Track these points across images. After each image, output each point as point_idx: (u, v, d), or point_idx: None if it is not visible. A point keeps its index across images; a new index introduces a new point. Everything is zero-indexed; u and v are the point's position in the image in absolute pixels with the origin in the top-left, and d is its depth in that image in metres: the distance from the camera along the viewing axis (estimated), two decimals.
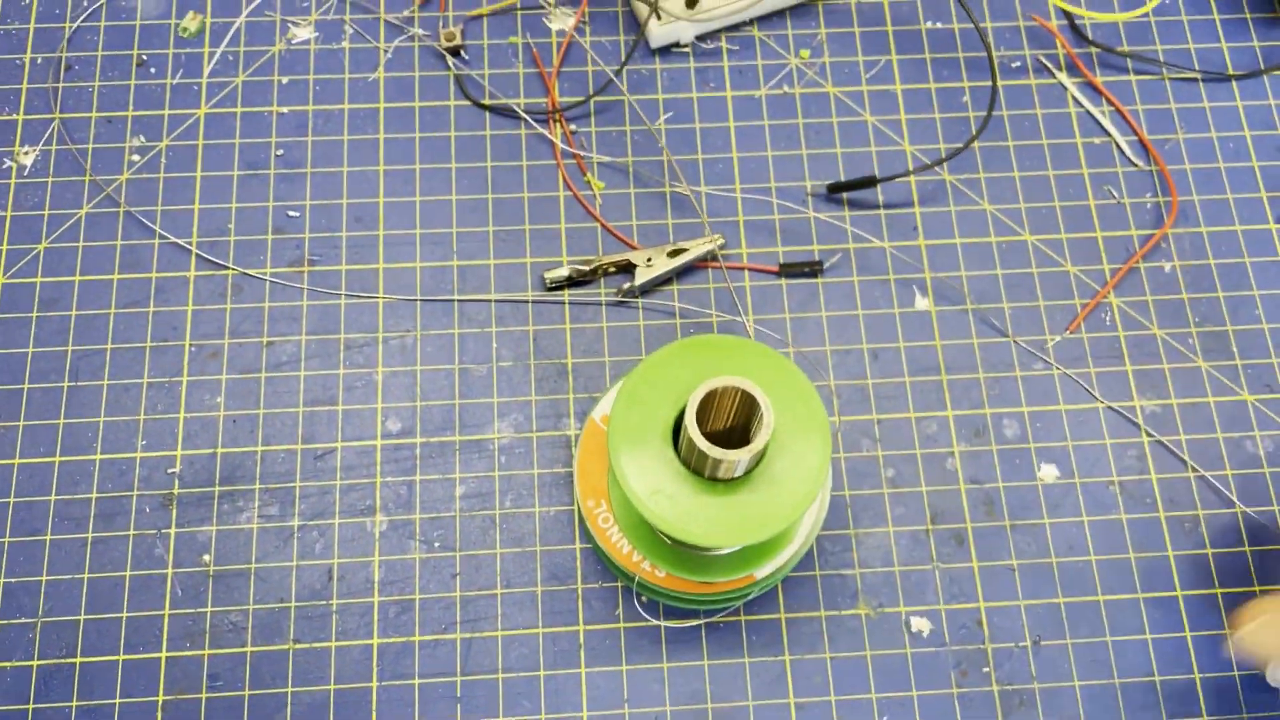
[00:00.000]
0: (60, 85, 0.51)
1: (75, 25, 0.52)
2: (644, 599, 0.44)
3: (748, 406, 0.35)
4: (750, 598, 0.42)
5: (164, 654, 0.43)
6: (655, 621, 0.43)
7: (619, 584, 0.44)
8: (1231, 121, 0.52)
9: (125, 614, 0.43)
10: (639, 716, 0.42)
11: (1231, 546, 0.45)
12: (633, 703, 0.43)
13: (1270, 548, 0.45)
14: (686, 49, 0.52)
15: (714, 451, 0.33)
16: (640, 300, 0.48)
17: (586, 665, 0.43)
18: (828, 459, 0.35)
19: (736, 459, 0.33)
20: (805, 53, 0.52)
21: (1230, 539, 0.45)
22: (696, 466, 0.35)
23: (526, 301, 0.48)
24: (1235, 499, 0.45)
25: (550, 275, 0.48)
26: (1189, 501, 0.45)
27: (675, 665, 0.43)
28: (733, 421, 0.37)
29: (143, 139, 0.50)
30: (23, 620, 0.43)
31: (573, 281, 0.48)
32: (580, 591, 0.44)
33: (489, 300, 0.48)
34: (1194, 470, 0.46)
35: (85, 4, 0.52)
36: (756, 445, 0.33)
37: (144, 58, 0.52)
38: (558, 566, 0.44)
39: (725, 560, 0.40)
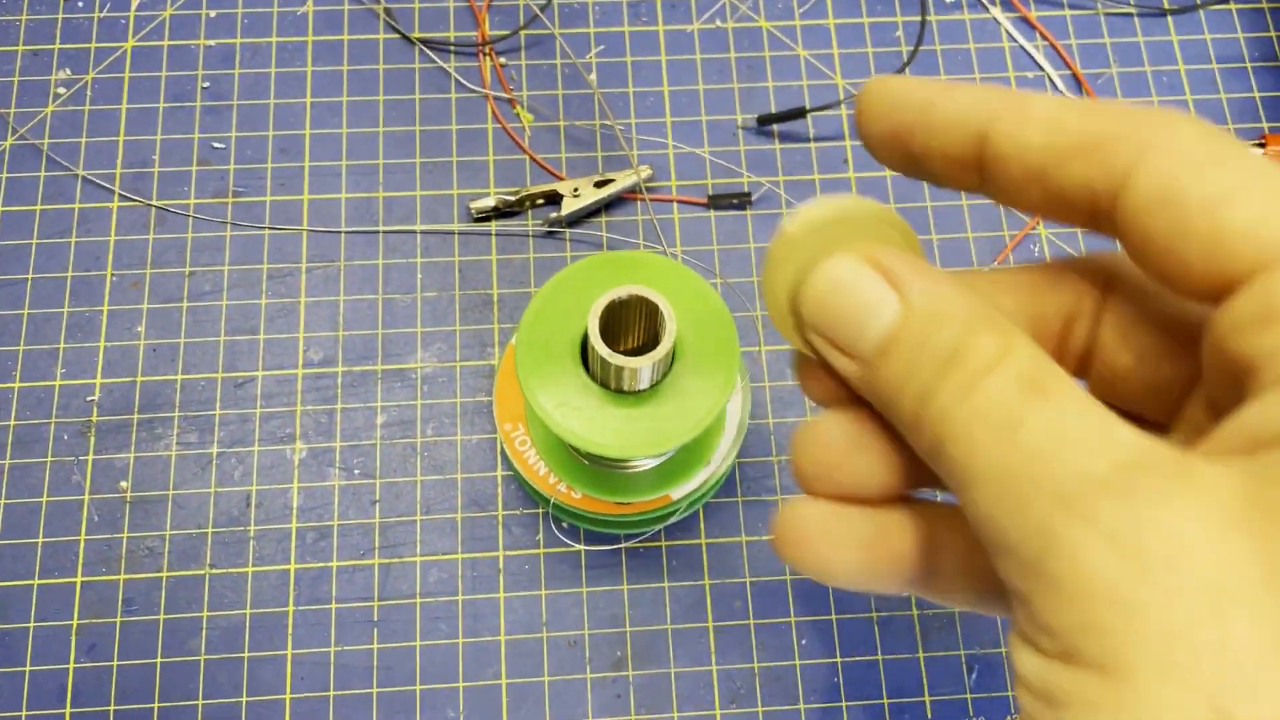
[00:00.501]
0: None
1: None
2: (564, 524, 0.43)
3: (654, 319, 0.35)
4: (669, 522, 0.42)
5: (79, 579, 0.42)
6: (575, 546, 0.43)
7: (539, 510, 0.44)
8: (1166, 56, 0.52)
9: (41, 539, 0.43)
10: (557, 640, 0.42)
11: None
12: (551, 626, 0.42)
13: None
14: None
15: (614, 358, 0.33)
16: (567, 231, 0.48)
17: (505, 590, 0.43)
18: (734, 373, 0.35)
19: (637, 366, 0.33)
20: None
21: None
22: (603, 379, 0.35)
23: (452, 232, 0.48)
24: None
25: (476, 206, 0.47)
26: None
27: (594, 590, 0.43)
28: (642, 338, 0.37)
29: (69, 72, 0.50)
30: None
31: (499, 212, 0.48)
32: (501, 518, 0.44)
33: (414, 231, 0.47)
34: None
35: None
36: (658, 353, 0.33)
37: None
38: (478, 493, 0.44)
39: (640, 480, 0.40)
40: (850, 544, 0.19)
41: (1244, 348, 0.15)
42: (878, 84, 0.19)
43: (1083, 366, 0.20)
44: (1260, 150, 0.49)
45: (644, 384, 0.35)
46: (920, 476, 0.20)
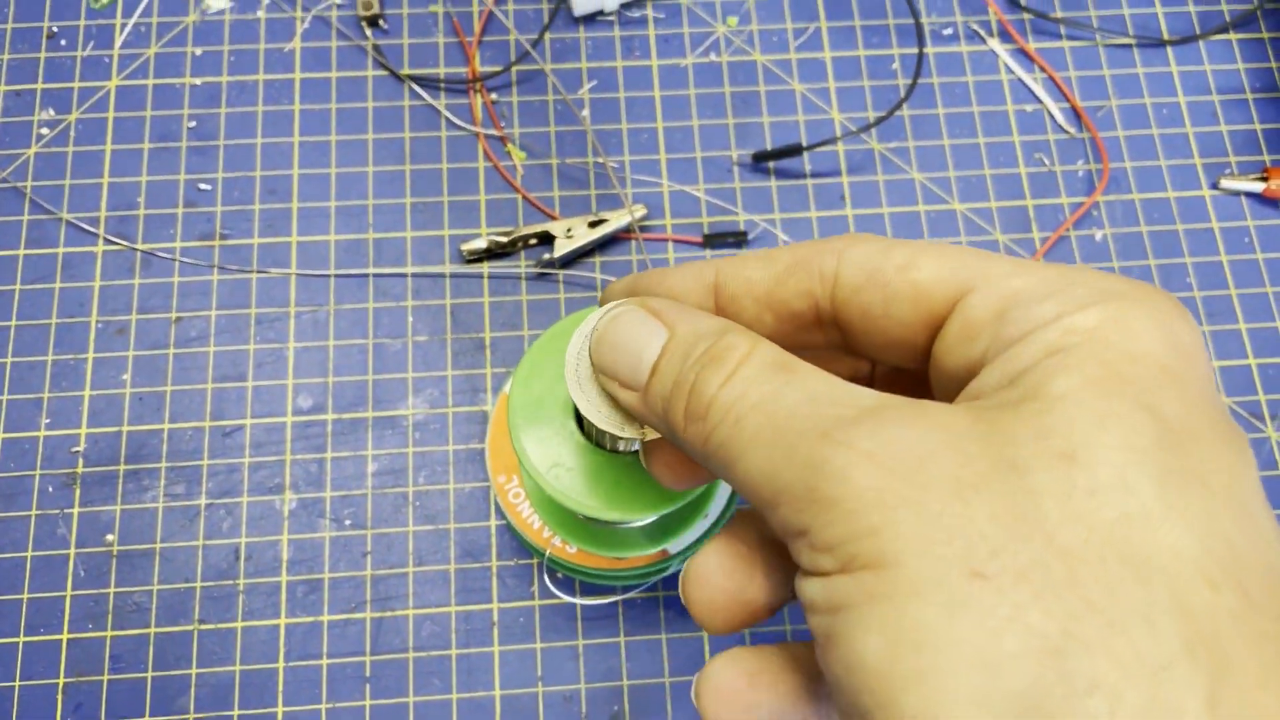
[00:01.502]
0: None
1: None
2: (559, 575, 0.43)
3: None
4: (667, 574, 0.42)
5: (65, 635, 0.42)
6: (570, 599, 0.42)
7: (534, 561, 0.43)
8: (1165, 88, 0.51)
9: (26, 595, 0.42)
10: (553, 695, 0.41)
11: None
12: (547, 680, 0.42)
13: None
14: (611, 17, 0.51)
15: (603, 423, 0.32)
16: (560, 272, 0.47)
17: (500, 644, 0.42)
18: None
19: (652, 436, 0.32)
20: (733, 20, 0.51)
21: None
22: (597, 439, 0.34)
23: (444, 275, 0.47)
24: None
25: (467, 247, 0.47)
26: None
27: (591, 643, 0.42)
28: None
29: (52, 112, 0.49)
30: None
31: (491, 253, 0.47)
32: (494, 569, 0.43)
33: (405, 274, 0.47)
34: None
35: None
36: None
37: (54, 29, 0.50)
38: (471, 544, 0.43)
39: (636, 535, 0.39)
40: (778, 685, 0.21)
41: (958, 360, 0.19)
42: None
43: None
44: (1262, 184, 0.48)
45: (639, 446, 0.34)
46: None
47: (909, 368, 0.22)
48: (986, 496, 0.16)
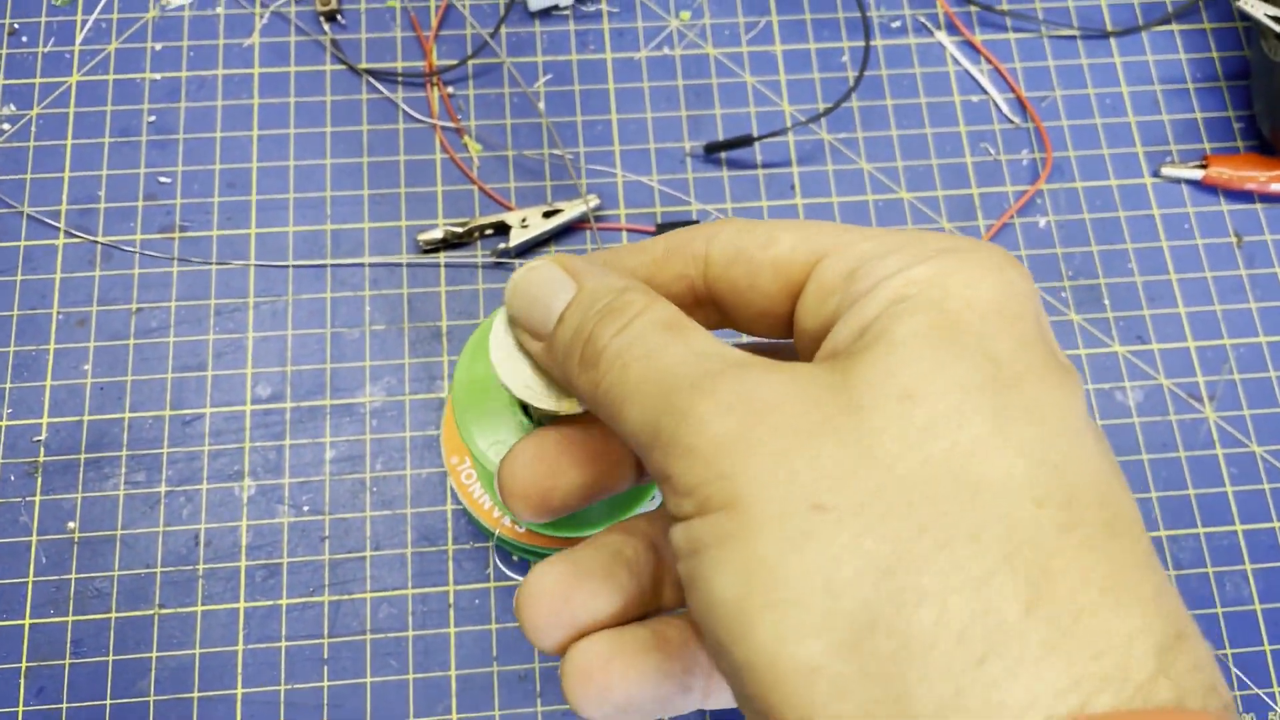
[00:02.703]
0: None
1: None
2: (515, 558, 0.44)
3: None
4: None
5: (27, 621, 0.42)
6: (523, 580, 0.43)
7: (489, 545, 0.44)
8: (1109, 78, 0.52)
9: None
10: (508, 674, 0.42)
11: None
12: (502, 660, 0.43)
13: (1138, 495, 0.45)
14: (566, 11, 0.52)
15: (520, 391, 0.33)
16: (516, 261, 0.48)
17: (456, 625, 0.43)
18: None
19: (570, 410, 0.33)
20: (685, 14, 0.52)
21: None
22: (537, 418, 0.35)
23: (401, 265, 0.48)
24: None
25: (424, 237, 0.47)
26: None
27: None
28: None
29: (13, 108, 0.49)
30: None
31: (447, 244, 0.48)
32: (451, 552, 0.44)
33: (362, 264, 0.47)
34: None
35: None
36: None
37: (15, 26, 0.51)
38: (428, 528, 0.44)
39: (585, 515, 0.40)
40: (637, 655, 0.21)
41: (815, 320, 0.20)
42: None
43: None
44: (1202, 171, 0.50)
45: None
46: (648, 598, 0.23)
47: (777, 338, 0.23)
48: (831, 437, 0.17)
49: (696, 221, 0.48)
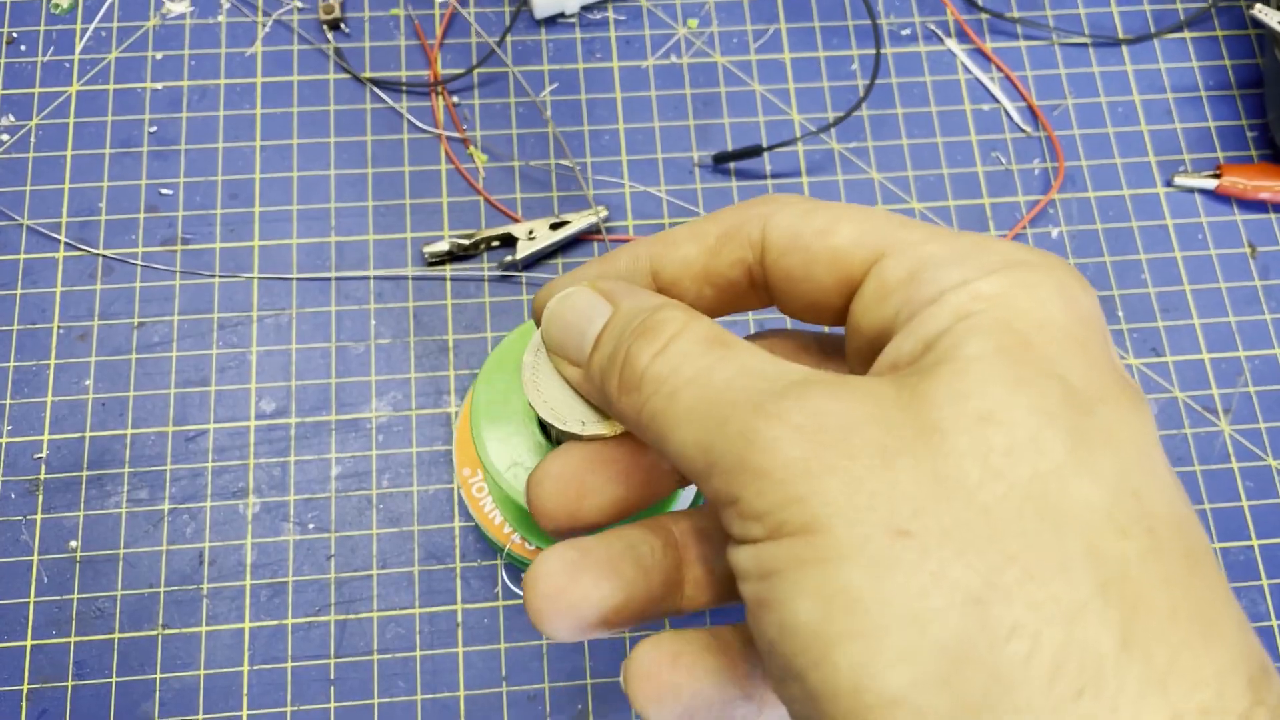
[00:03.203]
0: None
1: None
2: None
3: None
4: None
5: (29, 642, 0.42)
6: None
7: (498, 562, 0.43)
8: (1121, 86, 0.52)
9: None
10: (517, 694, 0.42)
11: None
12: (511, 681, 0.42)
13: None
14: (572, 19, 0.51)
15: (562, 424, 0.32)
16: (523, 274, 0.47)
17: (465, 645, 0.42)
18: None
19: (592, 434, 0.33)
20: (693, 22, 0.52)
21: None
22: (556, 439, 0.34)
23: (406, 277, 0.47)
24: None
25: (430, 250, 0.47)
26: None
27: (555, 643, 0.42)
28: None
29: (12, 118, 0.49)
30: None
31: (453, 256, 0.47)
32: (459, 570, 0.43)
33: (367, 277, 0.47)
34: None
35: None
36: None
37: (14, 35, 0.50)
38: (435, 546, 0.43)
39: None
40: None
41: (873, 320, 0.20)
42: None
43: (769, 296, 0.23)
44: (1215, 181, 0.49)
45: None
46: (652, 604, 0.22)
47: (828, 328, 0.23)
48: (909, 460, 0.16)
49: None
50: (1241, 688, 0.15)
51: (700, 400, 0.19)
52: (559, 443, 0.33)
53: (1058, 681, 0.15)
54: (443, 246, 0.47)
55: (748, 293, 0.22)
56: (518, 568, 0.42)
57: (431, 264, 0.47)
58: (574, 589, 0.21)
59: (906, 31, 0.52)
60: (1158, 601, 0.15)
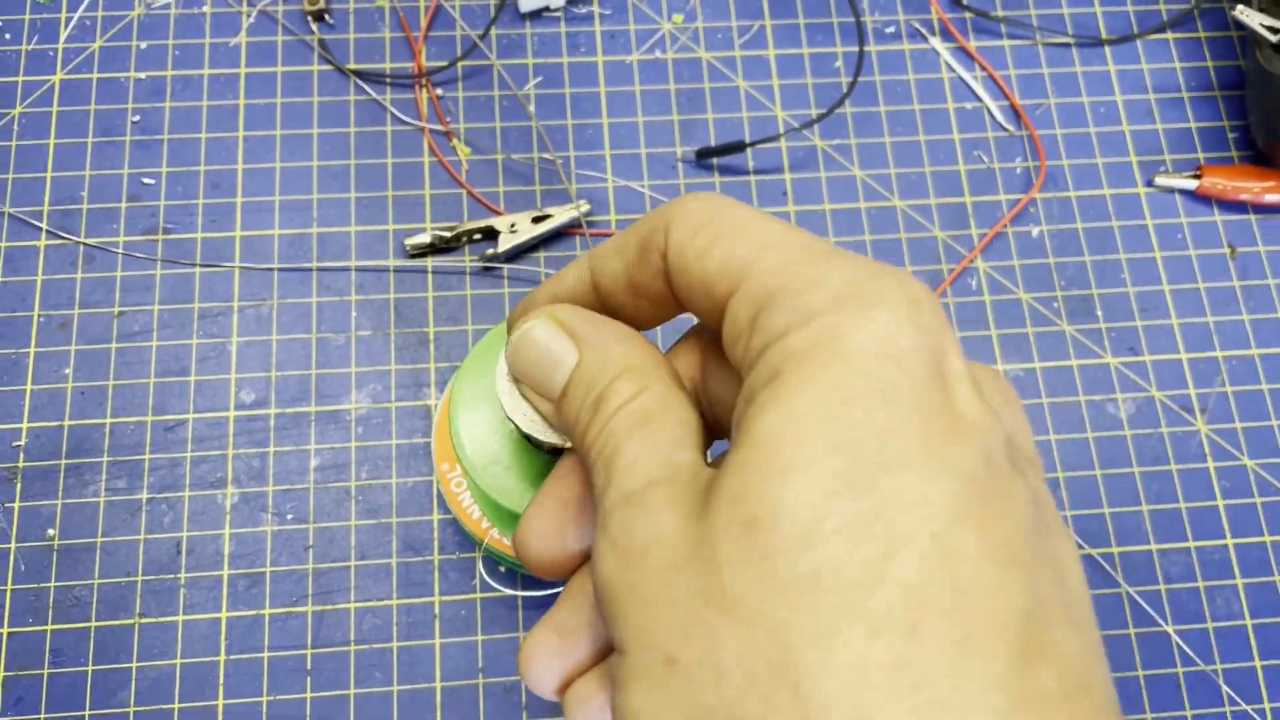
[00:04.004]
0: None
1: None
2: (502, 569, 0.43)
3: None
4: None
5: (5, 630, 0.42)
6: (510, 591, 0.43)
7: (475, 555, 0.43)
8: (1103, 86, 0.52)
9: None
10: (494, 686, 0.42)
11: (1090, 508, 0.45)
12: (488, 672, 0.42)
13: (1129, 508, 0.45)
14: (557, 13, 0.52)
15: (528, 427, 0.32)
16: (505, 267, 0.47)
17: (441, 636, 0.42)
18: None
19: (555, 442, 0.33)
20: (678, 17, 0.52)
21: (1090, 500, 0.45)
22: (534, 440, 0.34)
23: (387, 269, 0.47)
24: (1095, 462, 0.46)
25: (411, 242, 0.47)
26: (1049, 464, 0.45)
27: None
28: None
29: None
30: None
31: (435, 248, 0.47)
32: (436, 563, 0.43)
33: (349, 268, 0.47)
34: (1054, 434, 0.46)
35: None
36: None
37: None
38: (414, 538, 0.44)
39: None
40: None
41: (733, 361, 0.19)
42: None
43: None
44: (1196, 182, 0.49)
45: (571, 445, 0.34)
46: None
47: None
48: (684, 578, 0.17)
49: None
50: None
51: (598, 483, 0.20)
52: (537, 445, 0.33)
53: None
54: (424, 239, 0.47)
55: (668, 301, 0.22)
56: (495, 561, 0.42)
57: (413, 256, 0.47)
58: (565, 660, 0.22)
59: (891, 29, 0.52)
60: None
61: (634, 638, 0.17)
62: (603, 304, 0.23)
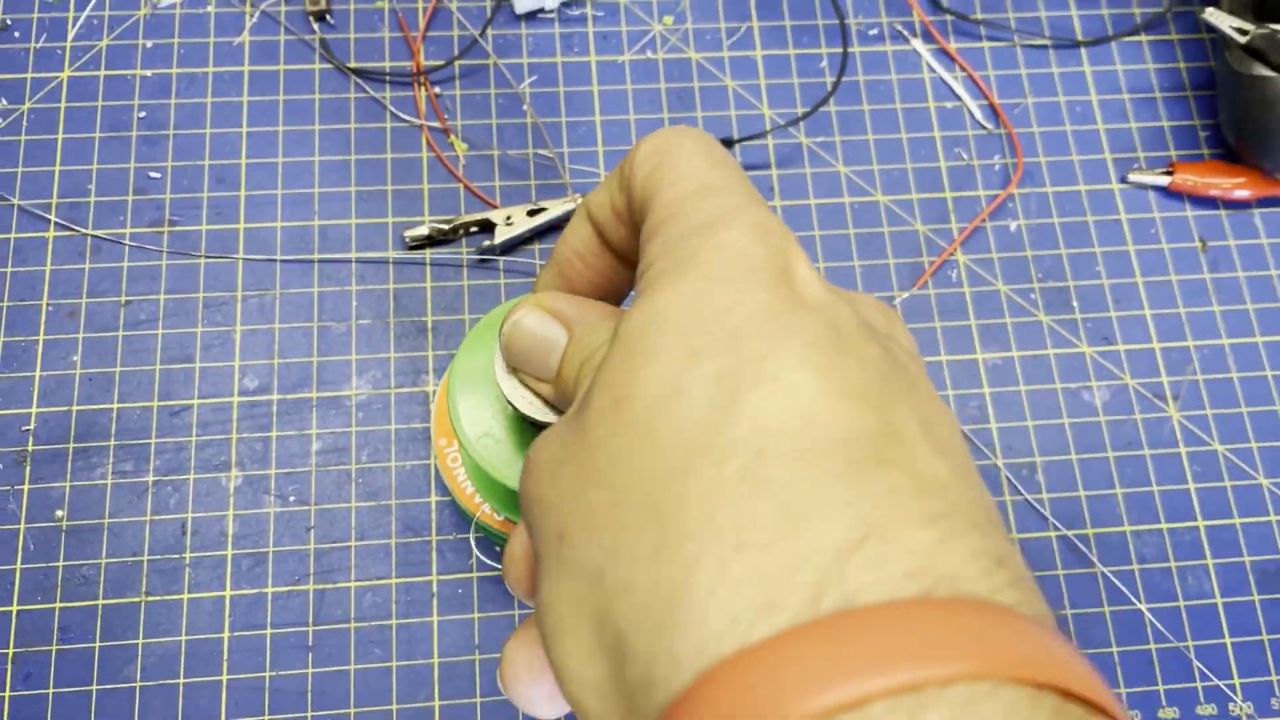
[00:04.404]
0: None
1: None
2: (497, 548, 0.45)
3: None
4: None
5: (15, 607, 0.43)
6: None
7: (472, 535, 0.45)
8: (1079, 86, 0.54)
9: None
10: (489, 662, 0.43)
11: (1067, 491, 0.47)
12: (484, 649, 0.43)
13: (1104, 491, 0.47)
14: (552, 14, 0.53)
15: (526, 408, 0.34)
16: (501, 258, 0.49)
17: (439, 614, 0.44)
18: None
19: (553, 419, 0.34)
20: (669, 19, 0.54)
21: (1066, 483, 0.47)
22: (527, 415, 0.36)
23: (387, 260, 0.48)
24: (1071, 447, 0.47)
25: (410, 234, 0.48)
26: (1027, 450, 0.47)
27: (526, 612, 0.44)
28: None
29: (4, 102, 0.50)
30: None
31: (433, 240, 0.49)
32: (434, 543, 0.45)
33: (349, 259, 0.48)
34: (1032, 420, 0.48)
35: None
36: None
37: (8, 22, 0.51)
38: (412, 519, 0.45)
39: None
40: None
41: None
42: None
43: None
44: (1168, 178, 0.51)
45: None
46: None
47: None
48: (569, 466, 0.19)
49: None
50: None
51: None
52: (528, 419, 0.35)
53: (656, 615, 0.16)
54: (423, 231, 0.48)
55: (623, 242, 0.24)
56: (489, 540, 0.44)
57: (412, 248, 0.49)
58: (543, 670, 0.23)
59: (874, 31, 0.54)
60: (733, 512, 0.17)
61: (539, 537, 0.19)
62: (599, 238, 0.25)
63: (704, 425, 0.17)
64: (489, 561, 0.44)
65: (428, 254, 0.49)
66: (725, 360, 0.17)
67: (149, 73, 0.51)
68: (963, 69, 0.53)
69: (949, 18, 0.54)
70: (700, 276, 0.19)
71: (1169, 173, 0.51)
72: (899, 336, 0.22)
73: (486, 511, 0.41)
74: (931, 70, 0.53)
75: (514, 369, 0.26)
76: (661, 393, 0.18)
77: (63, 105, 0.50)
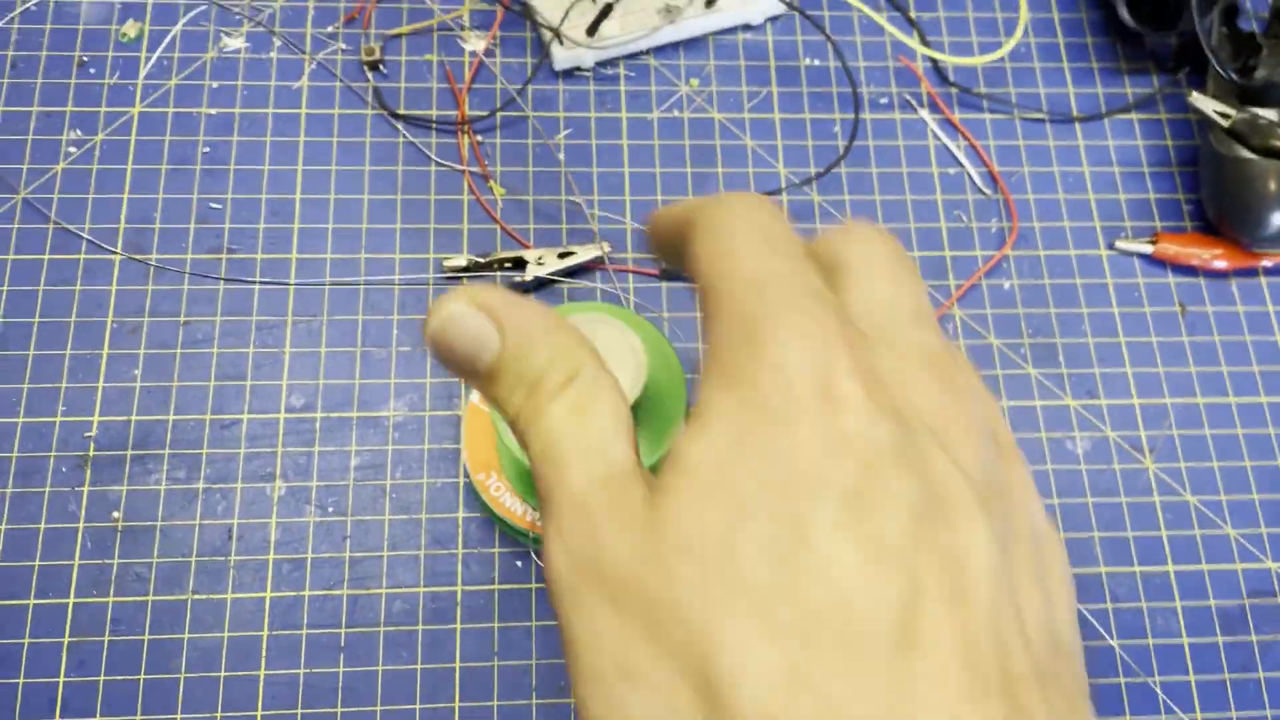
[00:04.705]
0: (4, 81, 0.55)
1: (13, 18, 0.56)
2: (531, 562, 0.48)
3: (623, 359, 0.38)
4: None
5: (72, 600, 0.46)
6: (528, 584, 0.48)
7: (495, 550, 0.48)
8: (1072, 158, 0.58)
9: (38, 562, 0.47)
10: (508, 669, 0.47)
11: None
12: (503, 656, 0.47)
13: (1082, 534, 0.50)
14: (588, 73, 0.58)
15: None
16: (532, 295, 0.53)
17: (462, 622, 0.47)
18: (681, 416, 0.39)
19: None
20: (695, 82, 0.58)
21: None
22: None
23: (426, 287, 0.52)
24: (1054, 492, 0.51)
25: (449, 263, 0.52)
26: None
27: (544, 624, 0.47)
28: None
29: (79, 133, 0.54)
30: None
31: (469, 271, 0.53)
32: (460, 556, 0.48)
33: (392, 282, 0.52)
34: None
35: (32, 7, 0.57)
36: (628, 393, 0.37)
37: (84, 59, 0.56)
38: (440, 533, 0.49)
39: None
40: None
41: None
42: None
43: None
44: (1152, 247, 0.55)
45: None
46: None
47: None
48: (635, 590, 0.19)
49: None
50: None
51: (537, 473, 0.21)
52: None
53: None
54: (461, 261, 0.52)
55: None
56: (533, 548, 0.47)
57: (450, 277, 0.53)
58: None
59: (884, 100, 0.58)
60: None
61: (586, 645, 0.18)
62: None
63: (766, 593, 0.17)
64: (517, 577, 0.48)
65: (465, 282, 0.53)
66: (769, 522, 0.18)
67: (214, 111, 0.55)
68: (965, 138, 0.58)
69: (954, 90, 0.59)
70: (746, 407, 0.19)
71: (1153, 242, 0.55)
72: (978, 420, 0.21)
73: (530, 520, 0.45)
74: (936, 138, 0.58)
75: (439, 360, 0.24)
76: (725, 549, 0.18)
77: (133, 138, 0.54)
